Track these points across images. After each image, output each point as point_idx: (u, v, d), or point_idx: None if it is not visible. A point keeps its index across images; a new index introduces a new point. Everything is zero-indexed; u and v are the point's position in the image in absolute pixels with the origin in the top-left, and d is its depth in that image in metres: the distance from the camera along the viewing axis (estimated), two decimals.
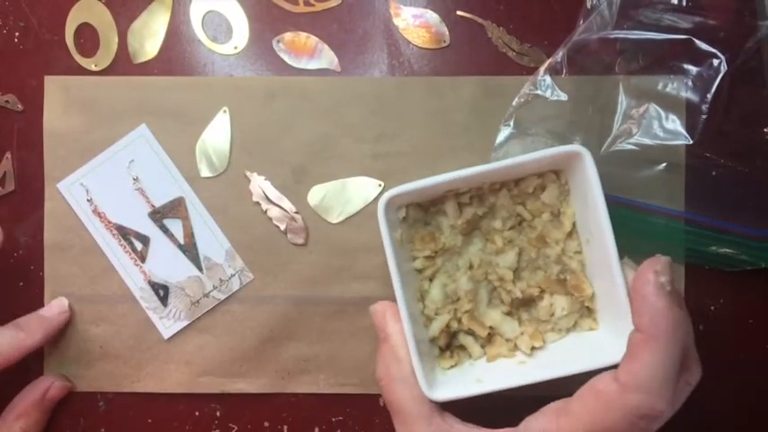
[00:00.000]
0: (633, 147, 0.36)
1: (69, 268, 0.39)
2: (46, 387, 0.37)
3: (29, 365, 0.39)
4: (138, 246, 0.39)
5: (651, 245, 0.37)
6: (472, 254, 0.36)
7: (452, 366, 0.35)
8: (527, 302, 0.36)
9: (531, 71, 0.38)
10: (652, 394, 0.25)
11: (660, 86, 0.37)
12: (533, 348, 0.35)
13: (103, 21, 0.39)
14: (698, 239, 0.37)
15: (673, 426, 0.27)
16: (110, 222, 0.39)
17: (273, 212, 0.38)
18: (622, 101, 0.37)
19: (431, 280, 0.36)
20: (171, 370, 0.39)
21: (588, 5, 0.37)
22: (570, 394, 0.29)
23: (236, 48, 0.39)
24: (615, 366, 0.29)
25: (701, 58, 0.36)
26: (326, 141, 0.38)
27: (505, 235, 0.35)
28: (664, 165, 0.37)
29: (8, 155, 0.39)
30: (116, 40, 0.39)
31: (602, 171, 0.32)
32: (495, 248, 0.35)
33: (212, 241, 0.38)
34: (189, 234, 0.39)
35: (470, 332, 0.35)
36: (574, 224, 0.35)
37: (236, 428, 0.39)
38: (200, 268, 0.38)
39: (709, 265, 0.37)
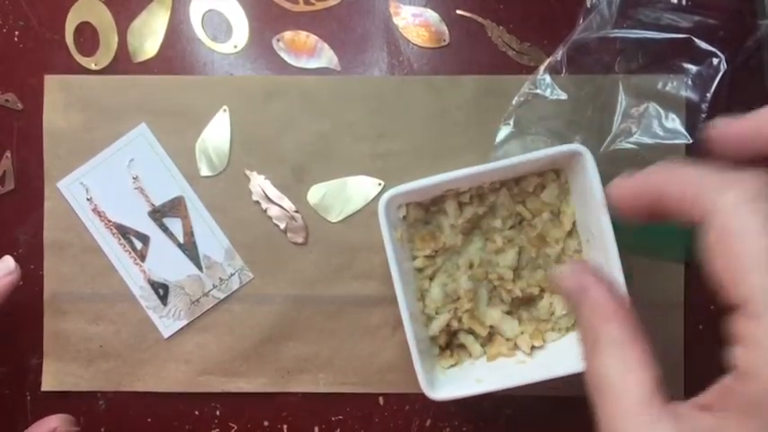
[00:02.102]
0: (633, 146, 0.36)
1: (69, 267, 0.39)
2: (51, 428, 0.34)
3: (28, 363, 0.39)
4: (138, 245, 0.39)
5: (651, 244, 0.37)
6: (472, 253, 0.36)
7: (452, 366, 0.35)
8: (527, 302, 0.36)
9: (531, 70, 0.38)
10: None
11: (660, 85, 0.37)
12: (533, 348, 0.35)
13: (103, 20, 0.39)
14: (698, 239, 0.37)
15: None
16: (109, 221, 0.39)
17: (273, 211, 0.38)
18: (622, 100, 0.37)
19: (431, 279, 0.36)
20: (171, 369, 0.38)
21: (588, 4, 0.37)
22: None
23: (235, 47, 0.39)
24: None
25: (700, 57, 0.36)
26: (326, 140, 0.38)
27: (506, 234, 0.35)
28: None
29: (8, 154, 0.39)
30: (116, 39, 0.39)
31: (602, 170, 0.32)
32: (495, 248, 0.35)
33: (212, 240, 0.38)
34: (188, 233, 0.39)
35: (471, 331, 0.35)
36: (574, 223, 0.35)
37: (235, 428, 0.39)
38: (199, 267, 0.38)
39: None
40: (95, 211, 0.39)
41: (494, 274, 0.35)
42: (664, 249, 0.38)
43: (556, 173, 0.35)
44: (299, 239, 0.38)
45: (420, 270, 0.35)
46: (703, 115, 0.36)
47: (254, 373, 0.38)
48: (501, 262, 0.35)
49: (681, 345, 0.37)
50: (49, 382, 0.39)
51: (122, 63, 0.39)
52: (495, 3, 0.39)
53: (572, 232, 0.35)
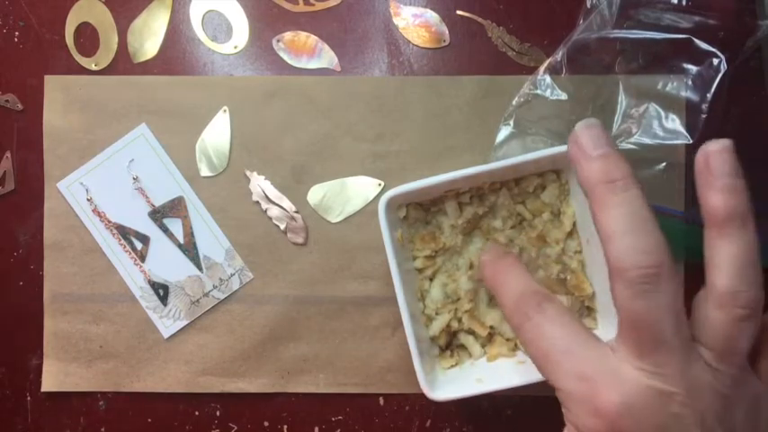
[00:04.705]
0: (633, 146, 0.36)
1: (69, 268, 0.39)
2: None
3: (28, 363, 0.39)
4: (138, 245, 0.39)
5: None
6: (472, 253, 0.36)
7: (453, 366, 0.35)
8: None
9: (531, 70, 0.38)
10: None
11: (660, 86, 0.37)
12: None
13: (103, 20, 0.39)
14: (698, 239, 0.37)
15: None
16: (110, 222, 0.39)
17: (273, 212, 0.38)
18: (622, 100, 0.37)
19: (431, 279, 0.36)
20: (171, 369, 0.38)
21: (588, 5, 0.37)
22: None
23: (235, 47, 0.39)
24: None
25: (700, 58, 0.36)
26: (326, 141, 0.38)
27: (506, 234, 0.35)
28: (664, 164, 0.37)
29: (8, 154, 0.39)
30: (116, 39, 0.39)
31: None
32: None
33: (212, 241, 0.38)
34: (189, 233, 0.39)
35: (471, 332, 0.35)
36: (574, 224, 0.35)
37: (236, 428, 0.39)
38: (199, 268, 0.38)
39: None
40: (95, 211, 0.39)
41: None
42: None
43: (556, 173, 0.35)
44: (300, 240, 0.38)
45: (420, 270, 0.35)
46: (703, 116, 0.36)
47: (254, 374, 0.38)
48: None
49: None
50: (49, 383, 0.39)
51: (122, 63, 0.39)
52: (495, 3, 0.39)
53: (572, 232, 0.35)
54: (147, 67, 0.39)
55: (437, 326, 0.35)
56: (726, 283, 0.23)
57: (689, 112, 0.37)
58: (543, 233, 0.35)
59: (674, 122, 0.37)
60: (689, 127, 0.36)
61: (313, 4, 0.39)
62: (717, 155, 0.25)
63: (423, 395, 0.32)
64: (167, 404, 0.39)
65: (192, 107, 0.38)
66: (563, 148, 0.32)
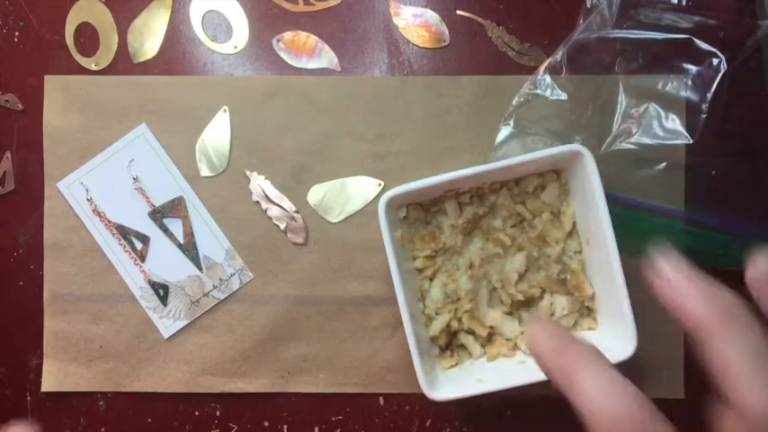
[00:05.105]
0: (633, 146, 0.36)
1: (69, 267, 0.39)
2: None
3: (28, 363, 0.39)
4: (138, 245, 0.39)
5: (651, 245, 0.37)
6: (472, 253, 0.36)
7: (453, 366, 0.35)
8: (527, 302, 0.36)
9: (531, 70, 0.38)
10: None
11: (660, 86, 0.37)
12: None
13: (103, 20, 0.39)
14: (698, 239, 0.37)
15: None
16: (110, 222, 0.39)
17: (273, 212, 0.38)
18: (622, 100, 0.37)
19: (431, 279, 0.36)
20: (171, 369, 0.38)
21: (588, 5, 0.37)
22: None
23: (235, 47, 0.39)
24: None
25: (700, 58, 0.36)
26: (326, 141, 0.38)
27: (508, 232, 0.35)
28: (664, 164, 0.37)
29: (8, 154, 0.39)
30: (116, 39, 0.39)
31: (602, 171, 0.32)
32: (502, 249, 0.35)
33: (212, 241, 0.38)
34: (189, 233, 0.38)
35: (471, 332, 0.35)
36: (574, 224, 0.35)
37: (236, 428, 0.39)
38: (199, 268, 0.38)
39: (709, 264, 0.37)
40: (95, 211, 0.39)
41: (495, 275, 0.35)
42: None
43: (556, 173, 0.35)
44: (300, 240, 0.38)
45: (420, 270, 0.35)
46: (703, 116, 0.36)
47: (254, 374, 0.38)
48: (508, 266, 0.35)
49: (681, 345, 0.37)
50: (49, 383, 0.39)
51: (122, 63, 0.39)
52: (495, 3, 0.39)
53: (572, 233, 0.35)
54: (147, 67, 0.39)
55: (437, 326, 0.35)
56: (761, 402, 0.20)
57: (689, 112, 0.37)
58: (543, 233, 0.35)
59: (674, 122, 0.37)
60: (689, 127, 0.36)
61: (313, 4, 0.39)
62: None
63: (423, 395, 0.32)
64: (167, 404, 0.39)
65: (192, 107, 0.38)
66: (563, 148, 0.32)
